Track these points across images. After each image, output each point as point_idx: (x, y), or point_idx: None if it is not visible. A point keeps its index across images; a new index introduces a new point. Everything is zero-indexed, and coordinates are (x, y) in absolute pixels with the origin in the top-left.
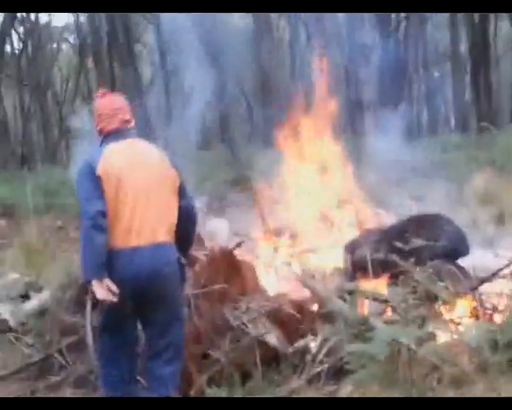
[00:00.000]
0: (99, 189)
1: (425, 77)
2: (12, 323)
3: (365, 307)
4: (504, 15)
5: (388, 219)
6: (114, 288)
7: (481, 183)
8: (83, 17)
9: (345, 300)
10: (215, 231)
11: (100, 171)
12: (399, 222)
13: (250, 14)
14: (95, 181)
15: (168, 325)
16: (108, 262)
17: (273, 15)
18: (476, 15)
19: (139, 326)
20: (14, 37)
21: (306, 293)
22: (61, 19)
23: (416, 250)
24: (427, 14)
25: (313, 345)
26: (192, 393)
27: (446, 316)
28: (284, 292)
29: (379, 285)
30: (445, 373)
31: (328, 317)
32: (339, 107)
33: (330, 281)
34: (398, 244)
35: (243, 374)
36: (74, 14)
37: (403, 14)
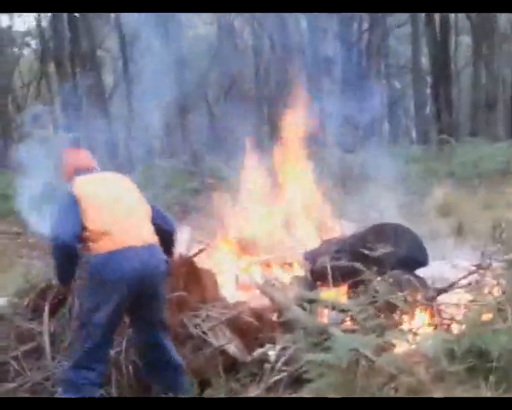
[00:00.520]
0: (73, 212)
1: (387, 88)
2: None
3: (325, 316)
4: (465, 30)
5: (348, 229)
6: None
7: (441, 195)
8: (45, 22)
9: (304, 308)
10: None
11: (75, 190)
12: (360, 231)
13: (214, 22)
14: (69, 205)
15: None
16: (99, 264)
17: (236, 24)
18: (438, 30)
19: None
20: None
21: (266, 301)
22: (22, 23)
23: (375, 260)
24: (389, 27)
25: (272, 353)
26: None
27: (405, 326)
28: (244, 300)
29: (339, 294)
30: (402, 383)
31: (287, 325)
32: (302, 118)
33: (290, 290)
34: (362, 251)
35: (202, 382)
36: (36, 18)
37: (365, 26)
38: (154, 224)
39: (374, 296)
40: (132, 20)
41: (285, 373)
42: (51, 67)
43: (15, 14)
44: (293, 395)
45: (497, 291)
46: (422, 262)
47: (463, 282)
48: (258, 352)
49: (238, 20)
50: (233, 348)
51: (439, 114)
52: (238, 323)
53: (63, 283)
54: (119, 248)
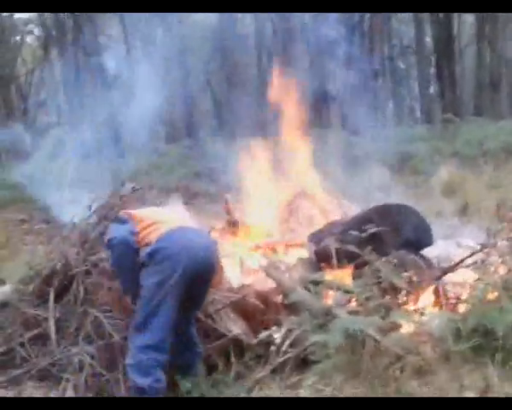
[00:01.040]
0: (124, 221)
1: (390, 69)
2: None
3: (330, 298)
4: None
5: (353, 210)
6: None
7: (445, 174)
8: None
9: (309, 290)
10: None
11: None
12: (364, 212)
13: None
14: (119, 219)
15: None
16: (161, 241)
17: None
18: None
19: None
20: None
21: (271, 284)
22: None
23: (380, 240)
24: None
25: (277, 336)
26: None
27: (410, 306)
28: (249, 283)
29: (343, 276)
30: (407, 363)
31: (292, 308)
32: (305, 99)
33: (295, 272)
34: (355, 233)
35: (208, 365)
36: None
37: None
38: None
39: (378, 277)
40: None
41: (290, 355)
42: (54, 54)
43: None
44: (299, 377)
45: (502, 270)
46: (427, 242)
47: (469, 261)
48: (263, 334)
49: None
50: (238, 330)
51: (443, 93)
52: (243, 306)
53: (129, 289)
54: (172, 228)
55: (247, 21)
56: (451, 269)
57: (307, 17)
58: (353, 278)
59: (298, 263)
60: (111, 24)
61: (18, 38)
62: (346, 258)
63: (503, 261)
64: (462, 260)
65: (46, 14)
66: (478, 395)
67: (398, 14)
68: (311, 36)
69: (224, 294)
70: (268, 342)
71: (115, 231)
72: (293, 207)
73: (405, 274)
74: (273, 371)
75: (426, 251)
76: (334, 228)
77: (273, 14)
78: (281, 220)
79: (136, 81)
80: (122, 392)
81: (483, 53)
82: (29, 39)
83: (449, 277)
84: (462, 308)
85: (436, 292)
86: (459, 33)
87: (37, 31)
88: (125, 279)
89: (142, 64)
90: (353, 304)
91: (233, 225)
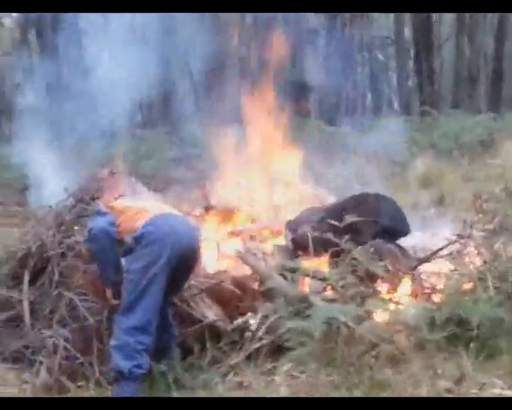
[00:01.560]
0: (105, 213)
1: (369, 60)
2: None
3: (306, 285)
4: None
5: (330, 199)
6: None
7: (422, 166)
8: None
9: (285, 277)
10: None
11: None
12: (341, 201)
13: None
14: (100, 211)
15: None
16: (147, 226)
17: None
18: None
19: None
20: None
21: (247, 270)
22: None
23: (357, 229)
24: None
25: (253, 322)
26: None
27: (385, 295)
28: (225, 269)
29: (320, 264)
30: (382, 351)
31: (268, 294)
32: (283, 88)
33: (271, 259)
34: (333, 222)
35: (184, 350)
36: None
37: None
38: None
39: (354, 265)
40: None
41: (266, 341)
42: (32, 36)
43: None
44: (274, 364)
45: (478, 261)
46: (403, 232)
47: (445, 252)
48: (239, 320)
49: None
50: (214, 316)
51: (421, 85)
52: (219, 292)
53: (110, 278)
54: (157, 214)
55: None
56: (427, 259)
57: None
58: (329, 266)
59: (274, 250)
60: None
61: None
62: (322, 246)
63: (478, 252)
64: (437, 250)
65: None
66: (452, 384)
67: None
68: (292, 24)
69: (200, 279)
70: (243, 329)
71: (95, 223)
72: (270, 194)
73: (381, 263)
74: (248, 357)
75: (402, 241)
76: (312, 216)
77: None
78: (258, 207)
79: (114, 64)
80: (96, 375)
81: (462, 46)
82: (6, 21)
83: (425, 267)
84: (437, 298)
85: (411, 281)
86: (439, 26)
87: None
88: (106, 270)
89: (120, 47)
90: (329, 292)
91: (210, 210)
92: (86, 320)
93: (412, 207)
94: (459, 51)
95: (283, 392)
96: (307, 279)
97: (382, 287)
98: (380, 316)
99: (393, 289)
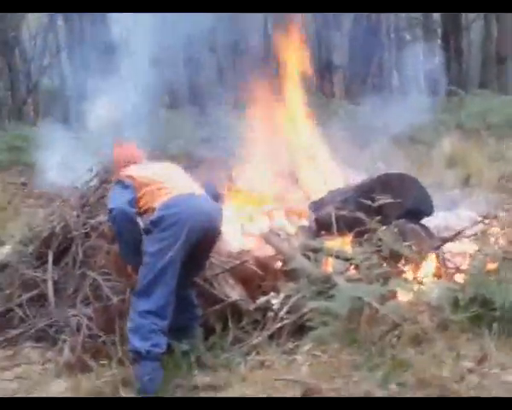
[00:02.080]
0: (125, 187)
1: (396, 40)
2: None
3: (329, 265)
4: None
5: (355, 179)
6: None
7: (449, 146)
8: None
9: (309, 258)
10: None
11: (125, 173)
12: (365, 181)
13: None
14: (121, 184)
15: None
16: (165, 209)
17: None
18: None
19: None
20: None
21: (270, 250)
22: None
23: (381, 209)
24: None
25: (275, 302)
26: None
27: (409, 275)
28: (248, 249)
29: (343, 244)
30: (405, 331)
31: (291, 274)
32: (309, 68)
33: (295, 239)
34: (364, 201)
35: (206, 329)
36: None
37: None
38: None
39: (378, 245)
40: None
41: (288, 321)
42: (60, 21)
43: None
44: (296, 343)
45: (503, 241)
46: (428, 212)
47: (470, 232)
48: (261, 300)
49: None
50: (237, 296)
51: (448, 65)
52: (242, 271)
53: (130, 258)
54: (175, 195)
55: None
56: (451, 239)
57: None
58: (353, 247)
59: (298, 230)
60: None
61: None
62: (345, 226)
63: (503, 233)
64: (462, 230)
65: None
66: (474, 365)
67: None
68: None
69: (223, 259)
70: (266, 308)
71: (114, 202)
72: (295, 175)
73: (405, 243)
74: (270, 336)
75: (426, 221)
76: (336, 196)
77: None
78: (283, 188)
79: (139, 47)
80: (119, 354)
81: (490, 26)
82: None
83: (449, 247)
84: (460, 278)
85: (435, 261)
86: None
87: None
88: (127, 249)
89: (146, 30)
90: (352, 272)
91: (235, 191)
92: (109, 300)
93: (438, 187)
94: (487, 31)
95: (304, 371)
96: (330, 259)
97: (406, 267)
98: (403, 296)
99: (417, 269)
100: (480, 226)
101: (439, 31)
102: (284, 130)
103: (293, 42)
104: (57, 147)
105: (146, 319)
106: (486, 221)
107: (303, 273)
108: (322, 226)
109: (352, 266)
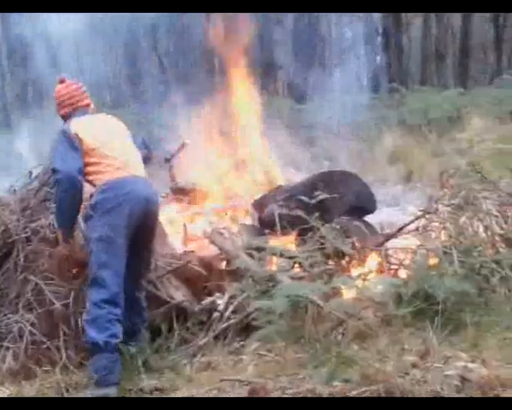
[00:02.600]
0: (74, 149)
1: (337, 37)
2: None
3: (273, 264)
4: None
5: (297, 178)
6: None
7: (390, 142)
8: None
9: (252, 257)
10: None
11: (74, 131)
12: (308, 179)
13: None
14: (70, 142)
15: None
16: (104, 192)
17: None
18: None
19: None
20: None
21: (214, 250)
22: None
23: (324, 207)
24: None
25: (220, 302)
26: None
27: (353, 272)
28: (192, 250)
29: (287, 242)
30: (349, 327)
31: (235, 274)
32: (252, 66)
33: (238, 238)
34: (303, 198)
35: (152, 331)
36: None
37: None
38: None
39: (321, 243)
40: None
41: (233, 321)
42: None
43: None
44: (242, 343)
45: (443, 236)
46: (370, 209)
47: (411, 227)
48: (206, 301)
49: None
50: (181, 297)
51: (389, 62)
52: (186, 272)
53: (64, 224)
54: (122, 176)
55: None
56: (394, 235)
57: None
58: (297, 245)
59: (241, 229)
60: None
61: None
62: (289, 224)
63: (443, 227)
64: (404, 226)
65: None
66: (417, 359)
67: None
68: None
69: (166, 260)
70: (211, 309)
71: (61, 163)
72: (238, 173)
73: (349, 240)
74: (216, 337)
75: (369, 217)
76: (278, 194)
77: None
78: (225, 186)
79: (80, 45)
80: (63, 359)
81: (429, 23)
82: None
83: (392, 243)
84: (403, 274)
85: (378, 258)
86: None
87: None
88: (63, 215)
89: (86, 28)
90: (296, 270)
91: (177, 191)
92: (52, 305)
93: (381, 183)
94: (427, 29)
95: (251, 371)
96: (275, 258)
97: (349, 264)
98: (347, 293)
99: (360, 265)
100: (422, 222)
101: (380, 28)
102: (227, 129)
103: (236, 39)
104: None
105: (102, 310)
106: (427, 216)
107: (247, 273)
108: (265, 225)
109: (297, 265)
